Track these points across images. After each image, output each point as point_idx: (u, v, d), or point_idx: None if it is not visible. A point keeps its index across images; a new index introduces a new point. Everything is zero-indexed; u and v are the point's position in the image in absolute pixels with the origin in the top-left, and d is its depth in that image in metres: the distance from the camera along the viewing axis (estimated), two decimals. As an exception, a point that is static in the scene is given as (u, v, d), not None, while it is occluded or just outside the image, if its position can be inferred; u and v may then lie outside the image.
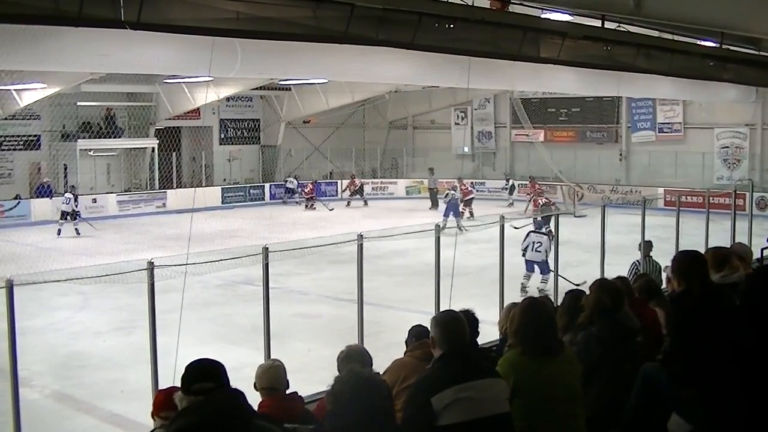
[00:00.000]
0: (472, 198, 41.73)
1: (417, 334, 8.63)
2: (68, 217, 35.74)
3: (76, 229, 35.65)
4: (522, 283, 22.15)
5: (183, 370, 5.40)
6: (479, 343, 8.43)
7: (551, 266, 21.01)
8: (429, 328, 6.40)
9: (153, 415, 6.41)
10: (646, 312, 9.23)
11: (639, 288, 10.09)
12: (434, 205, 46.15)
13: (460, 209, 39.76)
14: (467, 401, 5.86)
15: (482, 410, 5.89)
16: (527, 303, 7.05)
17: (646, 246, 18.15)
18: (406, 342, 8.66)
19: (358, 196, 48.42)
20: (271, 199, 48.96)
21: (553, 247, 20.82)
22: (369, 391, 6.10)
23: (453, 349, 6.16)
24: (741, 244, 13.22)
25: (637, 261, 17.72)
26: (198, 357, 5.46)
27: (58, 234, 35.28)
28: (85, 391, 15.91)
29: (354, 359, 7.47)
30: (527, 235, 22.99)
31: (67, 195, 36.30)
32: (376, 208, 44.95)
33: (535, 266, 22.60)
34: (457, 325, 6.30)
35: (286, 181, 49.53)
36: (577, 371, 6.88)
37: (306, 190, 47.35)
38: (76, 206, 35.88)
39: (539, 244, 22.55)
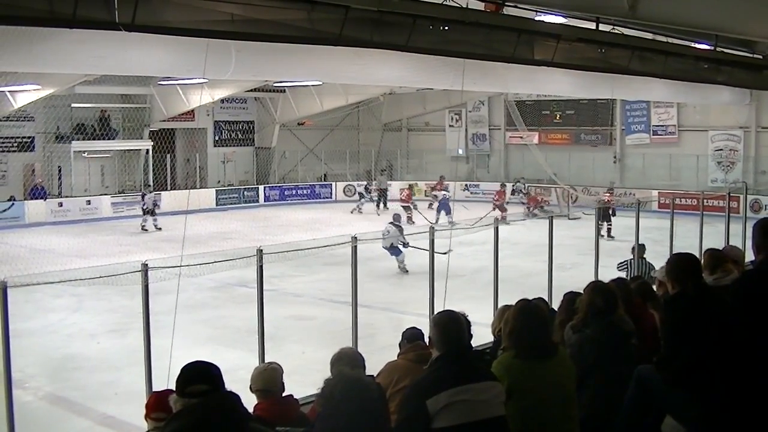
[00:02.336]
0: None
1: (410, 336, 8.63)
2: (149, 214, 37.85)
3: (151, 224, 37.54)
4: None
5: (178, 372, 5.39)
6: (472, 345, 8.45)
7: (402, 249, 25.97)
8: (427, 330, 6.39)
9: (146, 417, 6.41)
10: (645, 315, 9.24)
11: (635, 289, 10.09)
12: (384, 206, 46.63)
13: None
14: (463, 404, 5.85)
15: (478, 413, 5.89)
16: (521, 305, 7.05)
17: (640, 249, 18.18)
18: (399, 344, 8.66)
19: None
20: (265, 201, 48.93)
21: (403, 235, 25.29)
22: (358, 392, 6.11)
23: (451, 350, 6.15)
24: (733, 246, 13.23)
25: (630, 260, 17.75)
26: (192, 359, 5.45)
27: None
28: (79, 393, 15.89)
29: (344, 362, 7.46)
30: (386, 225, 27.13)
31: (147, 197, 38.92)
32: (370, 210, 44.90)
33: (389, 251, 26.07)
34: (456, 326, 6.30)
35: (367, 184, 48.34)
36: (572, 373, 6.88)
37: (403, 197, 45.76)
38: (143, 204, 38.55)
39: (387, 232, 25.87)
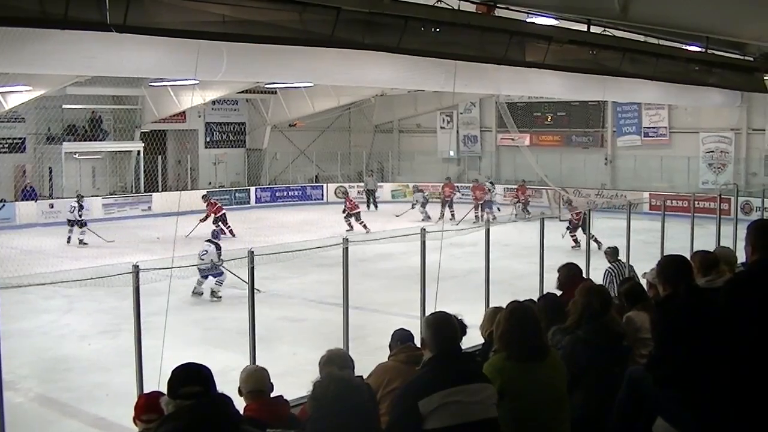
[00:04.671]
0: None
1: (400, 338, 8.64)
2: (75, 225, 35.46)
3: (80, 239, 35.29)
4: (197, 282, 23.49)
5: (169, 374, 5.38)
6: (463, 347, 8.45)
7: (221, 269, 22.71)
8: (417, 331, 6.39)
9: (135, 419, 6.39)
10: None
11: (625, 292, 10.11)
12: (374, 206, 47.19)
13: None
14: (455, 405, 5.86)
15: (469, 415, 5.90)
16: (512, 307, 7.06)
17: (613, 252, 18.17)
18: (390, 346, 8.65)
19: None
20: (256, 202, 48.90)
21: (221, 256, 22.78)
22: (348, 393, 6.12)
23: (444, 351, 6.16)
24: (725, 248, 13.25)
25: (609, 267, 17.74)
26: (184, 361, 5.45)
27: (68, 242, 35.18)
28: (70, 394, 15.88)
29: (333, 363, 7.46)
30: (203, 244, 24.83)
31: (72, 203, 36.12)
32: (361, 212, 44.97)
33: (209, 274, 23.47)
34: (449, 327, 6.30)
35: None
36: (563, 375, 6.89)
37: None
38: (80, 215, 35.62)
39: (204, 252, 23.78)
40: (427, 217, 41.48)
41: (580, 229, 30.16)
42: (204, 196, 39.94)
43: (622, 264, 17.90)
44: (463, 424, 5.86)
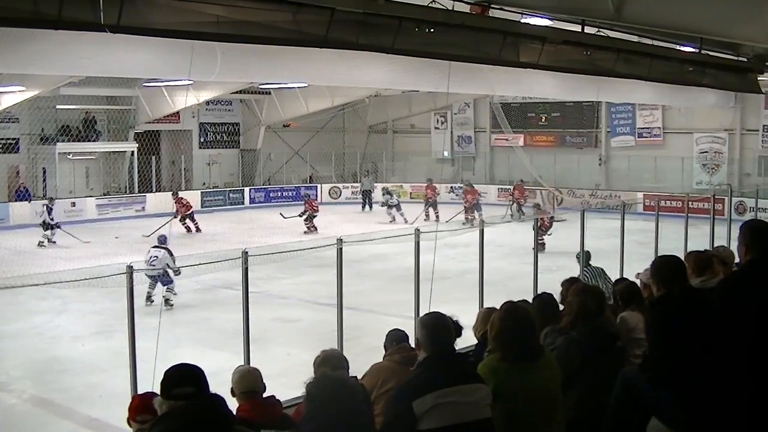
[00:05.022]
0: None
1: (396, 338, 8.63)
2: (49, 229, 35.29)
3: (47, 239, 35.04)
4: (148, 292, 22.04)
5: (162, 375, 5.38)
6: (457, 348, 8.44)
7: (172, 275, 21.81)
8: (412, 331, 6.37)
9: (129, 420, 6.38)
10: None
11: (620, 292, 10.11)
12: (369, 207, 47.18)
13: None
14: (449, 406, 5.85)
15: (463, 415, 5.89)
16: (507, 308, 7.04)
17: (586, 256, 18.17)
18: (384, 346, 8.65)
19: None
20: (250, 202, 48.88)
21: (175, 261, 21.91)
22: (343, 393, 6.12)
23: (438, 352, 6.15)
24: (724, 247, 13.26)
25: (585, 271, 17.74)
26: (177, 361, 5.44)
27: (39, 245, 34.92)
28: (64, 395, 15.85)
29: (328, 363, 7.45)
30: (148, 250, 23.42)
31: (41, 207, 36.13)
32: (355, 212, 44.96)
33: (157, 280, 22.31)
34: (444, 328, 6.29)
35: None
36: (557, 376, 6.88)
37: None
38: (50, 218, 35.48)
39: (154, 258, 22.48)
40: (393, 219, 41.48)
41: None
42: (173, 194, 40.32)
43: (594, 268, 17.94)
44: (456, 425, 5.85)
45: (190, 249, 24.43)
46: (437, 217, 40.98)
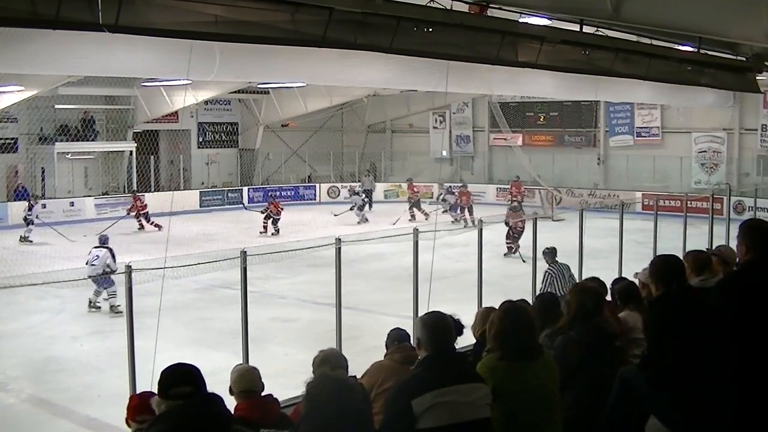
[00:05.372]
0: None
1: (397, 337, 8.64)
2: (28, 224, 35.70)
3: (24, 236, 35.29)
4: (90, 299, 21.91)
5: (159, 375, 5.38)
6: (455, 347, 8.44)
7: (112, 279, 21.10)
8: (415, 329, 6.36)
9: (128, 420, 6.38)
10: None
11: (619, 291, 10.12)
12: (369, 206, 46.57)
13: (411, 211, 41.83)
14: (447, 405, 5.85)
15: (462, 415, 5.89)
16: (506, 307, 7.04)
17: (551, 253, 18.15)
18: (386, 345, 8.66)
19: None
20: (249, 202, 48.85)
21: (116, 263, 21.18)
22: (342, 393, 6.12)
23: (438, 351, 6.15)
24: (726, 247, 13.26)
25: (549, 269, 17.74)
26: (175, 361, 5.44)
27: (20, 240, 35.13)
28: (62, 395, 15.86)
29: (328, 363, 7.46)
30: (90, 251, 22.62)
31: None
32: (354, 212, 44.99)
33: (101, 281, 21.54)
34: (445, 327, 6.30)
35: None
36: (555, 375, 6.88)
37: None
38: (29, 213, 35.82)
39: (96, 258, 21.86)
40: (365, 220, 41.36)
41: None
42: (132, 192, 40.83)
43: (561, 265, 17.94)
44: (455, 424, 5.85)
45: (189, 249, 24.41)
46: (426, 216, 40.88)
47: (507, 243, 29.27)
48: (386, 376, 7.82)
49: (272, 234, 37.13)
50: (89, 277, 20.72)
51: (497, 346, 6.73)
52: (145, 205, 39.33)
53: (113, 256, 22.07)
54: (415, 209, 42.26)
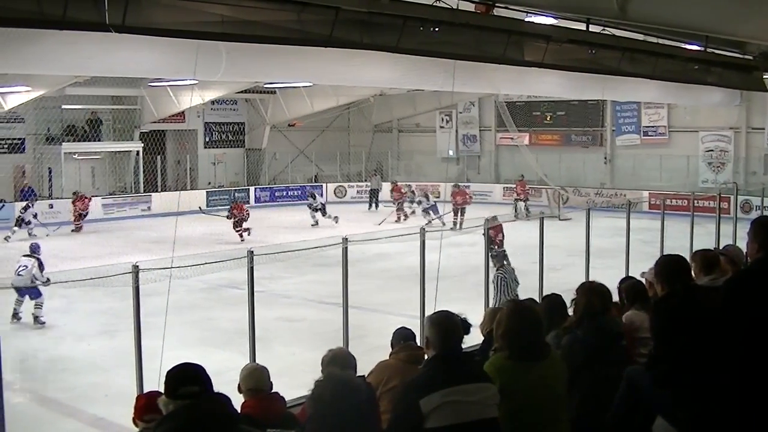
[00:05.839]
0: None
1: (403, 336, 8.65)
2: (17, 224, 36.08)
3: (6, 237, 35.37)
4: (14, 309, 20.99)
5: (165, 375, 5.39)
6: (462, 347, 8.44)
7: (42, 289, 20.55)
8: (423, 328, 6.36)
9: (135, 419, 6.39)
10: None
11: (625, 290, 10.10)
12: (375, 206, 47.08)
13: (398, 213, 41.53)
14: (455, 405, 5.85)
15: (470, 414, 5.89)
16: (513, 306, 7.04)
17: (500, 256, 18.05)
18: (391, 344, 8.66)
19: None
20: (255, 202, 48.84)
21: (44, 274, 20.76)
22: (349, 393, 6.12)
23: (446, 351, 6.15)
24: (734, 246, 13.27)
25: (500, 273, 17.62)
26: (182, 361, 5.46)
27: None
28: (69, 394, 15.89)
29: (337, 362, 7.47)
30: (18, 259, 21.76)
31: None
32: (361, 212, 44.93)
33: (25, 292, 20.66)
34: (454, 327, 6.30)
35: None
36: (563, 375, 6.87)
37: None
38: (22, 212, 36.53)
39: (23, 267, 21.02)
40: (316, 224, 40.17)
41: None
42: (74, 192, 40.08)
43: (509, 269, 17.87)
44: (463, 424, 5.84)
45: (196, 249, 24.43)
46: (406, 217, 41.13)
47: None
48: (391, 375, 7.83)
49: (242, 239, 35.21)
50: (14, 286, 20.24)
51: (505, 345, 6.72)
52: (87, 205, 39.08)
53: (41, 266, 21.35)
54: (399, 211, 42.12)
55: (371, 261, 26.10)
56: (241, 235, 35.69)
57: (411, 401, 5.90)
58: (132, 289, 10.99)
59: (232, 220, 36.25)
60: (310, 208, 41.25)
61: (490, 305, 15.57)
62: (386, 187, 48.14)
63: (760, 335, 6.17)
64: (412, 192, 43.51)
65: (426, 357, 6.45)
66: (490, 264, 16.93)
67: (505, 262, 18.14)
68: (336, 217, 39.83)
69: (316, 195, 42.60)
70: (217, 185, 50.05)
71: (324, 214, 40.57)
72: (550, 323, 8.31)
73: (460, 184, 44.02)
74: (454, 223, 37.65)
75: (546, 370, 6.69)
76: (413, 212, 41.16)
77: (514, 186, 44.87)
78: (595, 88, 25.28)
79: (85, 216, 38.66)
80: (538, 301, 10.29)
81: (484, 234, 17.37)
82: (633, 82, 22.28)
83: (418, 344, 8.54)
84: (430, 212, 40.05)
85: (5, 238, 34.93)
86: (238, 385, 7.11)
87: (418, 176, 51.08)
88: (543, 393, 6.59)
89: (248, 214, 36.79)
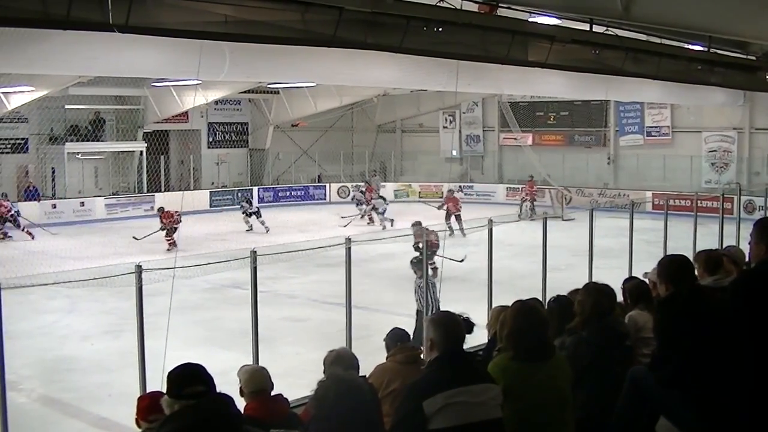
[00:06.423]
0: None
1: (397, 337, 8.62)
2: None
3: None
4: None
5: (167, 377, 5.39)
6: (466, 346, 8.43)
7: None
8: (426, 329, 6.33)
9: (138, 420, 6.39)
10: None
11: (629, 290, 10.10)
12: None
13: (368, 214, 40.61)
14: (459, 406, 5.83)
15: (474, 415, 5.87)
16: (519, 307, 7.02)
17: (419, 263, 17.88)
18: (387, 346, 8.63)
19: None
20: (259, 202, 48.86)
21: None
22: (352, 394, 6.12)
23: (450, 351, 6.13)
24: (735, 247, 13.27)
25: (419, 281, 17.41)
26: (186, 361, 5.45)
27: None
28: (73, 394, 15.89)
29: (340, 363, 7.47)
30: None
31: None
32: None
33: None
34: (458, 327, 6.28)
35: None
36: (568, 376, 6.86)
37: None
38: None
39: None
40: (250, 228, 38.66)
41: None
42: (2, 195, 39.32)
43: (429, 278, 17.68)
44: (467, 425, 5.83)
45: (199, 249, 24.44)
46: (371, 219, 40.73)
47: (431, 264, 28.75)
48: (391, 378, 7.79)
49: (168, 249, 32.00)
50: None
51: (510, 346, 6.72)
52: (10, 208, 36.33)
53: None
54: (374, 213, 41.11)
55: (376, 261, 26.10)
56: (170, 245, 32.62)
57: (414, 403, 5.88)
58: (135, 289, 11.00)
59: (168, 230, 33.24)
60: (244, 213, 39.64)
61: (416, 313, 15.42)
62: (389, 187, 48.16)
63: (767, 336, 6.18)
64: (361, 192, 43.04)
65: (423, 356, 6.44)
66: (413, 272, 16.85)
67: (429, 268, 17.78)
68: (392, 220, 38.62)
69: (251, 200, 41.88)
70: (220, 185, 50.06)
71: (258, 217, 38.96)
72: (561, 325, 8.31)
73: (453, 188, 43.61)
74: (450, 228, 34.75)
75: (551, 370, 6.69)
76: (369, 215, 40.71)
77: (524, 186, 44.75)
78: (599, 89, 25.32)
79: (13, 219, 36.55)
80: (542, 301, 10.28)
81: (489, 232, 17.33)
82: (636, 83, 22.30)
83: (413, 345, 8.52)
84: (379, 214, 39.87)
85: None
86: (240, 388, 7.09)
87: (428, 176, 51.20)
88: (548, 393, 6.59)
89: (178, 219, 33.50)
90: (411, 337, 8.98)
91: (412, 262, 17.72)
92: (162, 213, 34.21)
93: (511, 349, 6.67)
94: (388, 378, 7.82)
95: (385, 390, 7.64)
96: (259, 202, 47.89)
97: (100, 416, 14.71)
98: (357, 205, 42.04)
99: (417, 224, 23.71)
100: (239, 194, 47.66)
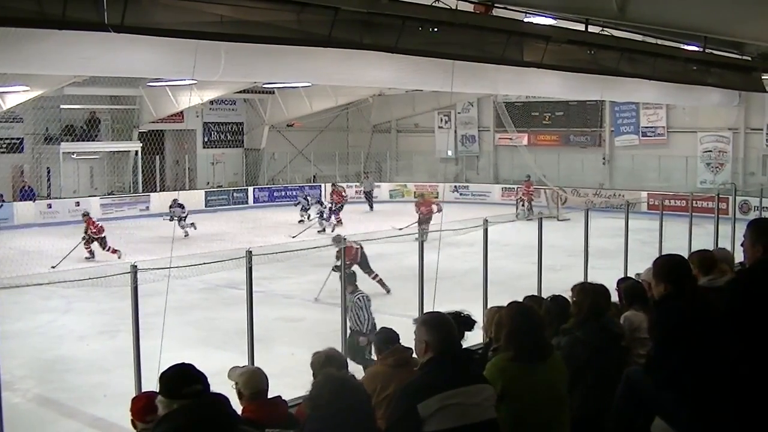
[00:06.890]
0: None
1: (387, 340, 8.59)
2: None
3: None
4: None
5: (161, 377, 5.39)
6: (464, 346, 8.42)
7: None
8: (417, 330, 6.29)
9: (134, 420, 6.38)
10: None
11: (624, 291, 10.11)
12: (370, 207, 47.09)
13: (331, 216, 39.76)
14: (454, 408, 5.81)
15: (469, 417, 5.85)
16: (516, 307, 7.03)
17: (351, 278, 17.43)
18: (377, 348, 8.61)
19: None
20: (254, 202, 48.86)
21: None
22: (346, 393, 6.12)
23: (444, 353, 6.10)
24: (722, 249, 13.26)
25: (356, 297, 16.88)
26: (182, 361, 5.45)
27: None
28: (68, 395, 15.89)
29: (333, 363, 7.46)
30: None
31: None
32: (359, 212, 44.86)
33: None
34: (450, 328, 6.25)
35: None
36: (564, 376, 6.87)
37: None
38: None
39: None
40: (186, 235, 36.51)
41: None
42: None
43: (361, 292, 17.13)
44: (462, 427, 5.80)
45: (195, 248, 24.42)
46: (339, 221, 40.07)
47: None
48: (384, 383, 7.70)
49: (87, 258, 30.28)
50: None
51: (510, 346, 6.71)
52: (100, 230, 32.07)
53: None
54: (334, 215, 40.44)
55: (370, 261, 26.08)
56: (91, 253, 30.81)
57: (408, 406, 5.85)
58: (130, 289, 11.00)
59: (89, 239, 31.11)
60: (178, 218, 36.86)
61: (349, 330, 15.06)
62: (384, 187, 48.15)
63: (765, 336, 6.18)
64: (305, 198, 41.72)
65: (416, 357, 6.42)
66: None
67: (357, 284, 17.34)
68: (335, 225, 39.00)
69: (184, 205, 40.48)
70: (215, 185, 50.04)
71: (184, 221, 36.85)
72: (558, 325, 8.32)
73: (424, 193, 43.76)
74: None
75: (548, 371, 6.70)
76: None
77: (521, 186, 44.71)
78: (594, 89, 25.30)
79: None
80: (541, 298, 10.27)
81: (484, 234, 17.32)
82: (632, 83, 22.29)
83: (404, 345, 8.45)
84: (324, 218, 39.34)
85: None
86: (238, 390, 7.07)
87: (429, 177, 51.29)
88: (545, 394, 6.59)
89: (99, 229, 31.42)
90: (398, 338, 8.83)
91: (340, 277, 16.73)
92: (87, 219, 31.81)
93: (511, 350, 6.67)
94: (381, 383, 7.76)
95: (379, 396, 7.56)
96: (254, 202, 48.02)
97: (96, 416, 14.70)
98: (302, 210, 40.96)
99: (337, 237, 22.92)
100: (234, 194, 47.72)
